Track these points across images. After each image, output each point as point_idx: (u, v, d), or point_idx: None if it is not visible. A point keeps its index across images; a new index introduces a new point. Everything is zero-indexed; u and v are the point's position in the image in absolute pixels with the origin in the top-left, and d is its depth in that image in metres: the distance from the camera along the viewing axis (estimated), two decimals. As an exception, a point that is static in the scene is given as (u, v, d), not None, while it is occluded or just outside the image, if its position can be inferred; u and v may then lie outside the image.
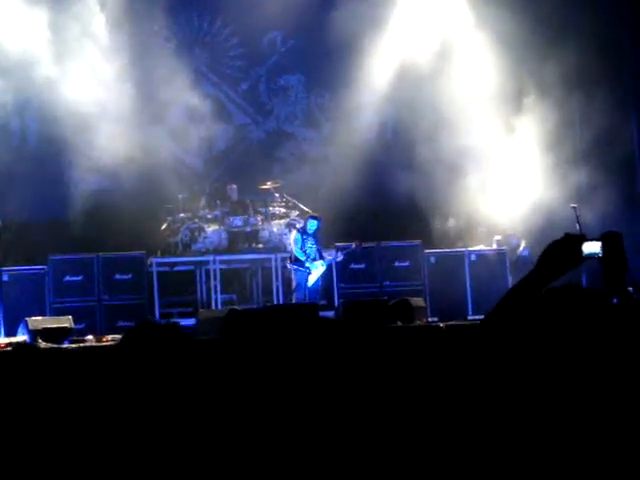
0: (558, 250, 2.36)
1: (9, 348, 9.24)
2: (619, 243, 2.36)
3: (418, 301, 11.90)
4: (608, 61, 14.24)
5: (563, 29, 14.00)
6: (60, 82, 13.81)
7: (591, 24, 13.88)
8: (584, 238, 2.39)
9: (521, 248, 14.09)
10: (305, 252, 12.93)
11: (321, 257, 13.07)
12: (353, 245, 13.20)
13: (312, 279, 12.94)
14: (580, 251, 2.35)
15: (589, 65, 13.77)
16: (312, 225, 13.00)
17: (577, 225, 11.61)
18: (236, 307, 11.65)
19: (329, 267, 13.45)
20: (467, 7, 15.02)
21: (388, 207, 14.76)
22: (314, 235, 13.05)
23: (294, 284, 13.12)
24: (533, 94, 14.41)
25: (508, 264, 13.81)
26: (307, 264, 12.88)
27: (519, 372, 2.17)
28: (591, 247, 2.37)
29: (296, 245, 12.95)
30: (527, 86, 14.57)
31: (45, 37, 13.84)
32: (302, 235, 12.98)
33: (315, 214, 13.35)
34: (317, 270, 12.97)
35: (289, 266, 13.17)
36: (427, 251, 13.94)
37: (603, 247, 2.35)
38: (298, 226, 13.65)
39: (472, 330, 2.48)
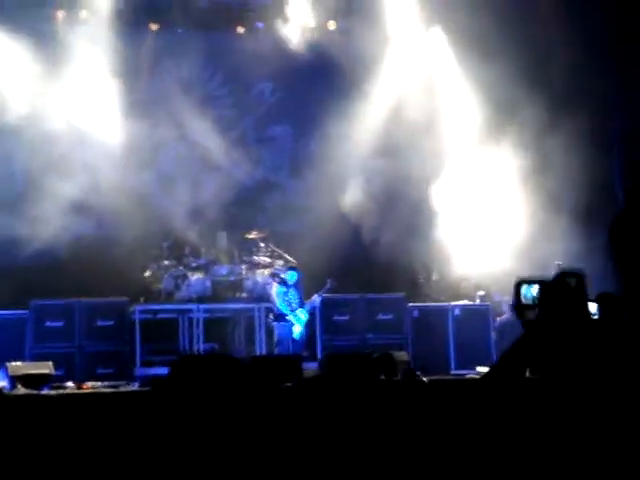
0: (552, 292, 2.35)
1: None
2: (617, 304, 2.33)
3: (401, 355, 11.85)
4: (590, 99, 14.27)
5: (541, 77, 14.15)
6: (48, 118, 13.88)
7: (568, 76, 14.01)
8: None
9: (504, 306, 14.08)
10: (289, 304, 13.05)
11: (302, 306, 13.17)
12: (328, 284, 13.25)
13: (297, 330, 13.02)
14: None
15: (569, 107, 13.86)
16: (292, 276, 13.18)
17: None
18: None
19: (312, 317, 13.49)
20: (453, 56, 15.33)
21: (372, 259, 14.79)
22: (295, 286, 13.21)
23: (276, 338, 13.18)
24: (511, 136, 14.44)
25: (491, 320, 13.80)
26: (289, 317, 12.98)
27: (516, 431, 2.16)
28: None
29: (278, 298, 13.09)
30: (506, 130, 14.60)
31: (31, 71, 13.92)
32: (283, 287, 13.10)
33: (293, 264, 13.48)
34: (300, 320, 13.06)
35: (271, 323, 13.28)
36: (411, 304, 13.91)
37: (600, 308, 2.33)
38: (281, 277, 13.69)
39: (458, 385, 2.47)
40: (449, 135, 15.30)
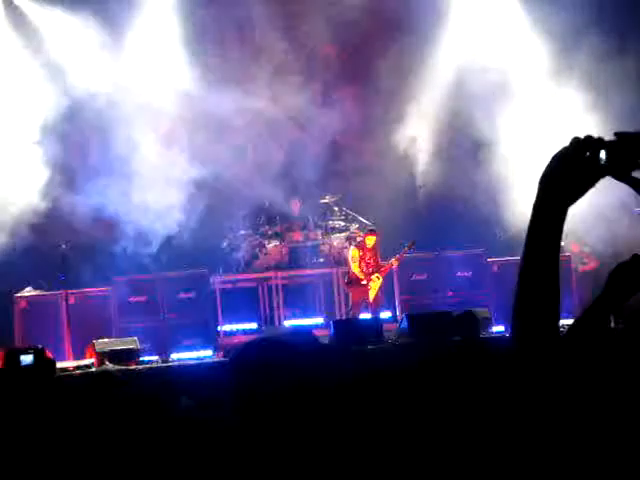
0: (625, 273, 2.24)
1: (78, 371, 9.35)
2: None
3: (483, 312, 11.77)
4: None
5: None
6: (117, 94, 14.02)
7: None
8: None
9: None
10: (365, 267, 12.93)
11: (378, 270, 13.08)
12: (406, 246, 13.12)
13: (372, 294, 12.93)
14: None
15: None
16: (370, 240, 12.99)
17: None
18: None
19: (390, 278, 13.44)
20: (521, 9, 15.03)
21: (447, 216, 14.64)
22: (373, 249, 13.04)
23: (350, 302, 13.22)
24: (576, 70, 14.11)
25: (573, 272, 13.52)
26: (364, 282, 12.88)
27: (594, 393, 2.10)
28: None
29: (353, 262, 12.97)
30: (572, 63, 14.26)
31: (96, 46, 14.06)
32: (360, 251, 12.98)
33: (373, 228, 13.32)
34: (374, 284, 12.97)
35: (345, 288, 13.27)
36: (490, 260, 13.80)
37: None
38: (357, 240, 13.67)
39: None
40: (515, 73, 14.94)
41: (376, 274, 12.97)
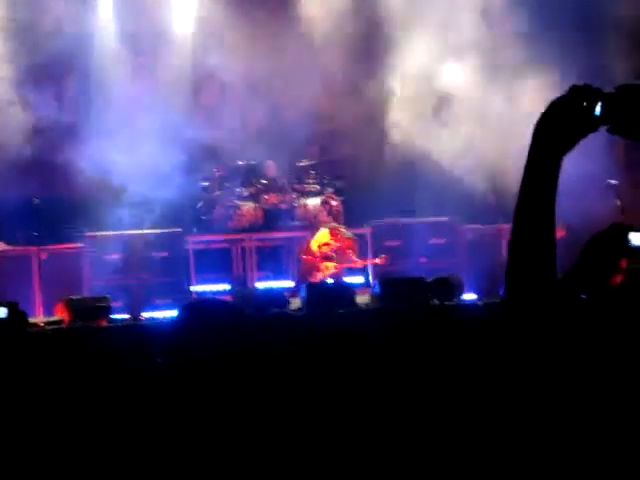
0: (603, 242, 2.24)
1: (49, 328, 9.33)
2: None
3: (455, 279, 11.82)
4: None
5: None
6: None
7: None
8: (631, 228, 2.25)
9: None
10: (322, 249, 12.94)
11: (338, 260, 13.02)
12: (377, 260, 13.10)
13: (320, 276, 12.93)
14: (626, 242, 2.23)
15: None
16: (349, 248, 13.01)
17: (618, 202, 11.38)
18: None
19: (364, 243, 13.42)
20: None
21: (424, 182, 14.57)
22: (344, 247, 13.08)
23: (298, 269, 13.31)
24: None
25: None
26: (315, 261, 12.90)
27: (562, 364, 2.10)
28: (639, 238, 2.22)
29: (315, 241, 12.98)
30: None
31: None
32: (331, 240, 12.97)
33: (356, 238, 13.26)
34: (327, 270, 12.99)
35: (300, 254, 13.27)
36: (464, 227, 13.79)
37: None
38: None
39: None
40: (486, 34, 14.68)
41: (334, 263, 12.93)
